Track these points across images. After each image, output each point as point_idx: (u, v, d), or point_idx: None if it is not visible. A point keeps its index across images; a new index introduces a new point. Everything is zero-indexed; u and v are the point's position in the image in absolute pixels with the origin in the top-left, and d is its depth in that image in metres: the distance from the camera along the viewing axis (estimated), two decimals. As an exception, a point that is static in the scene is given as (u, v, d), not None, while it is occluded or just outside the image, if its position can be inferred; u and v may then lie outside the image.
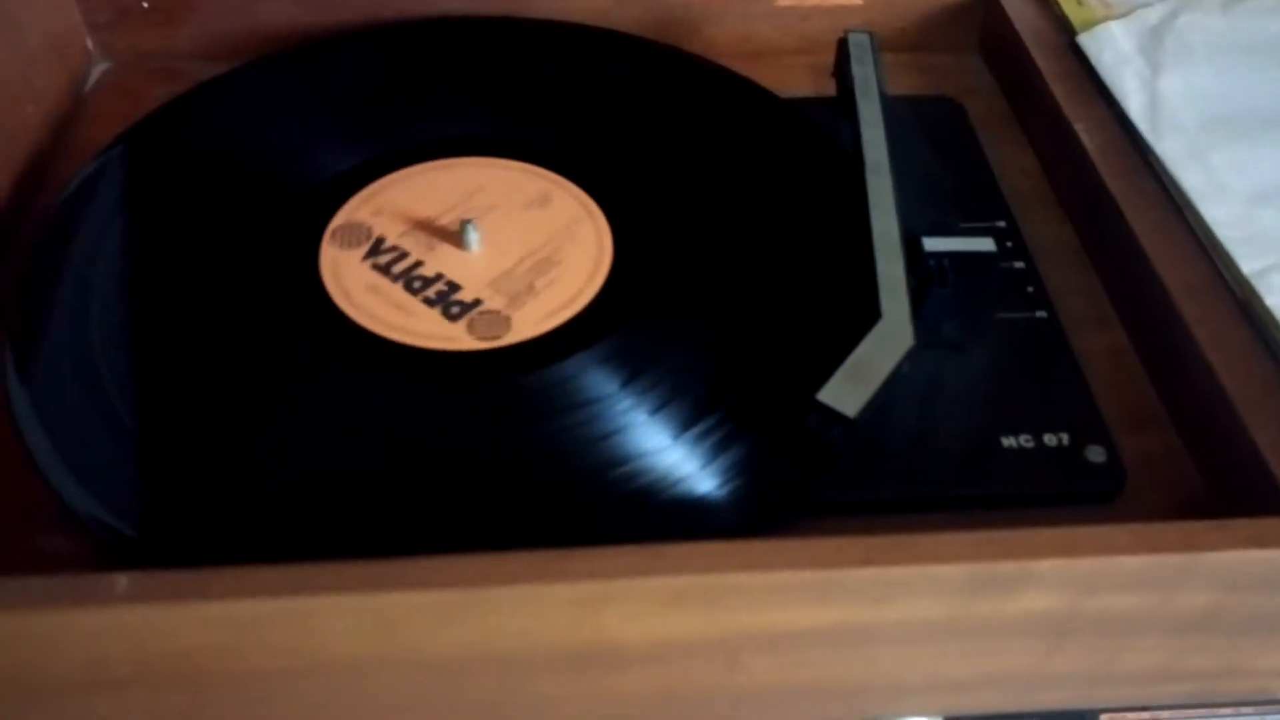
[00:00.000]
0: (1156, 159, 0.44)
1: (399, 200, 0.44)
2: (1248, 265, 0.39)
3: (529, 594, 0.26)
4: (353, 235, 0.42)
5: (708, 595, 0.27)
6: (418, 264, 0.41)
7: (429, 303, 0.40)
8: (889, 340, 0.36)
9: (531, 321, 0.39)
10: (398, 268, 0.41)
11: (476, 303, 0.40)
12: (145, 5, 0.53)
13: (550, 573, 0.26)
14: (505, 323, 0.39)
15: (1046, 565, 0.27)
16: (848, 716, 0.32)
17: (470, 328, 0.39)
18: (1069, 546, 0.27)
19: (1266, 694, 0.33)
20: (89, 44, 0.54)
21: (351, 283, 0.40)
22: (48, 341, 0.38)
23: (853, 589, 0.27)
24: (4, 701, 0.28)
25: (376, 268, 0.41)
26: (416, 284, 0.40)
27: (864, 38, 0.48)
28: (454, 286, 0.40)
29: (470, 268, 0.41)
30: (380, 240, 0.42)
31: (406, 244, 0.42)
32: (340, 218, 0.43)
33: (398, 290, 0.40)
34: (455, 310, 0.39)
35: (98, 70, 0.54)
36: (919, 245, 0.41)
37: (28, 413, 0.35)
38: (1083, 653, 0.30)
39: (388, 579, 0.26)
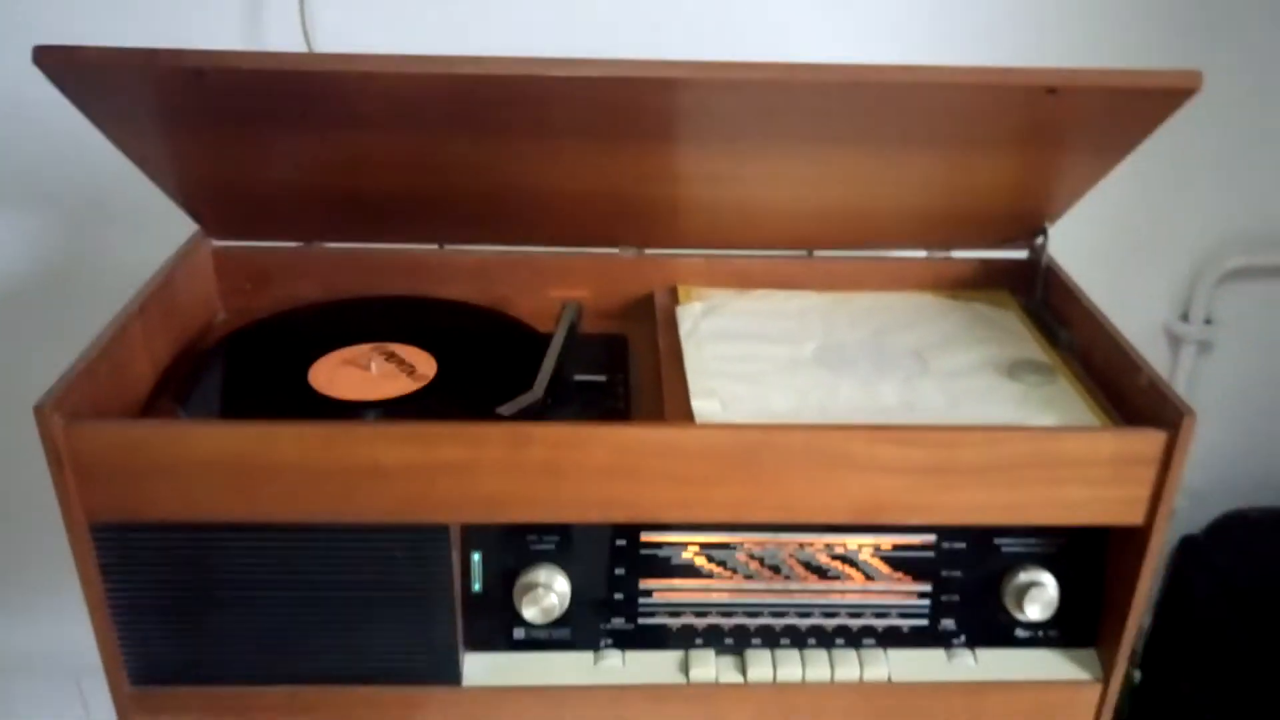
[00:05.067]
0: (681, 350, 0.97)
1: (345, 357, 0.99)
2: (696, 391, 0.91)
3: (348, 432, 0.78)
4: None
5: (411, 440, 0.78)
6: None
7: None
8: (530, 397, 0.89)
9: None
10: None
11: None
12: (248, 287, 1.11)
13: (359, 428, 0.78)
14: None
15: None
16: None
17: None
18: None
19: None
20: (219, 304, 1.11)
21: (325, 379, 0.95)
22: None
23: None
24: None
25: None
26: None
27: (573, 305, 1.04)
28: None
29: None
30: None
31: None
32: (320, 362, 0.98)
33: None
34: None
35: (220, 316, 1.11)
36: (572, 377, 0.95)
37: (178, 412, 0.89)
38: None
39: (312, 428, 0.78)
